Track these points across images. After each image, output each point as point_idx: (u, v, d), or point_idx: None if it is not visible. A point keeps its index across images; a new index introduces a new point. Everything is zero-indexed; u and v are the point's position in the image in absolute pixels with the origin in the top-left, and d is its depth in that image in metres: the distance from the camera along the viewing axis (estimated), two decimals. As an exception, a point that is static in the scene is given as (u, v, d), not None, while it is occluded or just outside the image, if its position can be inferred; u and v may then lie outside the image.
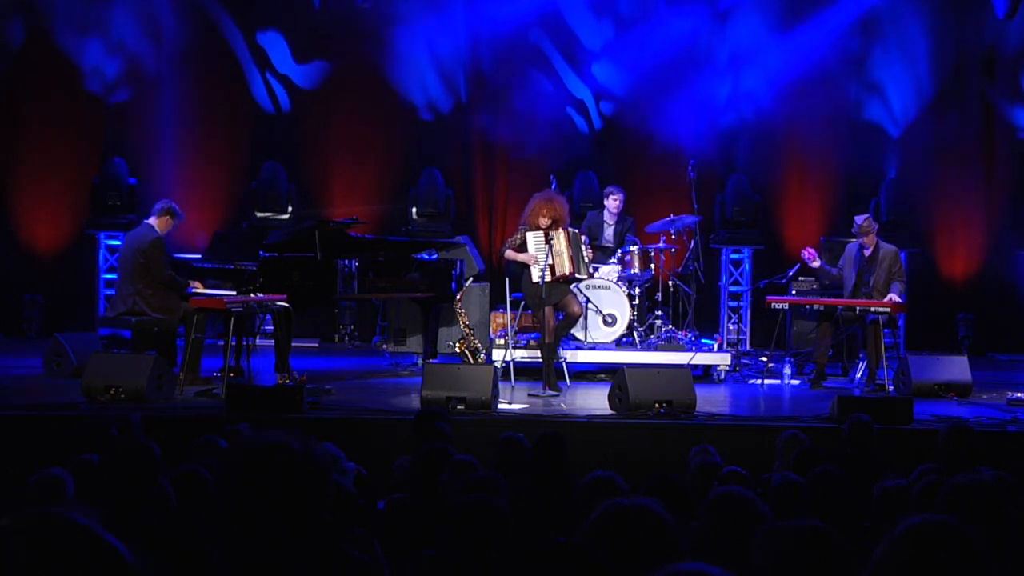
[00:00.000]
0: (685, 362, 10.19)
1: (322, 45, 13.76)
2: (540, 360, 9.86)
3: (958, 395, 9.78)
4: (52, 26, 13.40)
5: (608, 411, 8.69)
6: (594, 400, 9.27)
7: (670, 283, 11.15)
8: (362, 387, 10.02)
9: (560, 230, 9.65)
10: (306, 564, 2.26)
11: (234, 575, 2.23)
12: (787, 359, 10.87)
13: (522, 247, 9.74)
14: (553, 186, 10.71)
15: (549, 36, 13.76)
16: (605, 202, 11.42)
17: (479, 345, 10.25)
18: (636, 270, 10.91)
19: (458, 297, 10.40)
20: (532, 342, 10.40)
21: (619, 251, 11.08)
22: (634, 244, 11.13)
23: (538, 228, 9.68)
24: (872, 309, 10.22)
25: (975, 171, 13.92)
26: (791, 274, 11.12)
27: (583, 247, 9.97)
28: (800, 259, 10.59)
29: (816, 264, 10.42)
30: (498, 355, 10.18)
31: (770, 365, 10.74)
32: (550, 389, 9.60)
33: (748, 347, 12.76)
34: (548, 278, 9.49)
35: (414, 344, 11.15)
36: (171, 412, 8.27)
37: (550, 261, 9.56)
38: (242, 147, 13.84)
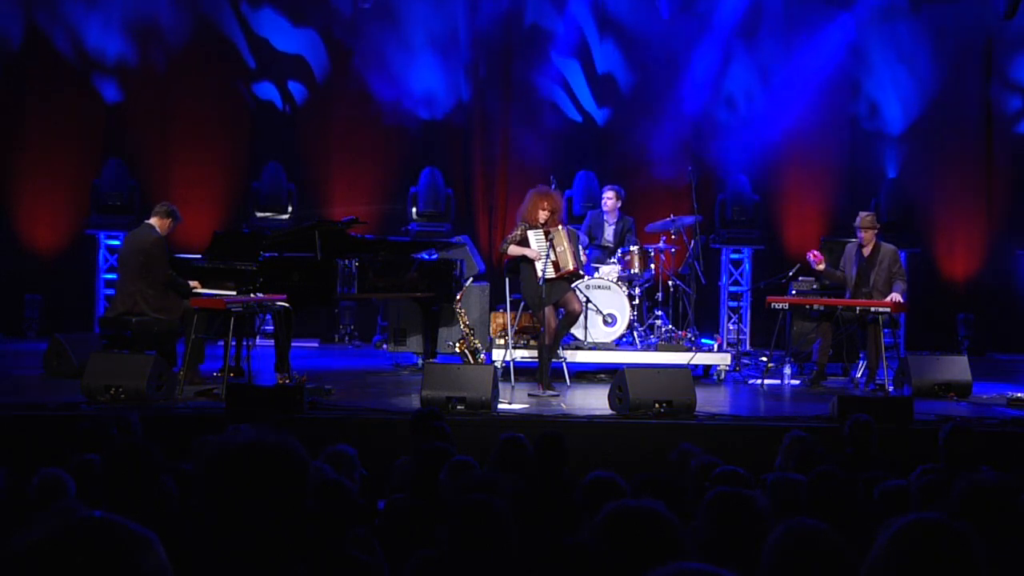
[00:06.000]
0: (685, 362, 10.18)
1: (322, 44, 13.75)
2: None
3: (958, 395, 9.77)
4: (52, 26, 13.40)
5: (608, 411, 8.68)
6: (594, 400, 9.26)
7: (670, 283, 11.15)
8: (362, 387, 10.01)
9: (559, 227, 9.63)
10: (305, 564, 2.25)
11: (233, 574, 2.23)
12: (787, 359, 10.86)
13: (523, 243, 9.71)
14: (552, 185, 10.70)
15: (550, 36, 13.76)
16: (601, 202, 11.43)
17: (479, 345, 10.24)
18: (636, 270, 10.91)
19: (458, 297, 10.39)
20: (532, 341, 10.39)
21: (619, 251, 11.08)
22: (635, 245, 11.12)
23: (537, 224, 9.65)
24: (872, 309, 10.21)
25: (975, 171, 13.93)
26: (791, 274, 11.11)
27: (579, 245, 9.96)
28: (805, 262, 10.60)
29: (822, 267, 10.45)
30: (498, 355, 10.17)
31: (770, 365, 10.74)
32: (547, 390, 9.58)
33: (748, 347, 12.75)
34: (552, 275, 9.47)
35: (414, 344, 11.14)
36: (171, 412, 8.27)
37: (552, 258, 9.53)
38: (242, 147, 13.83)
